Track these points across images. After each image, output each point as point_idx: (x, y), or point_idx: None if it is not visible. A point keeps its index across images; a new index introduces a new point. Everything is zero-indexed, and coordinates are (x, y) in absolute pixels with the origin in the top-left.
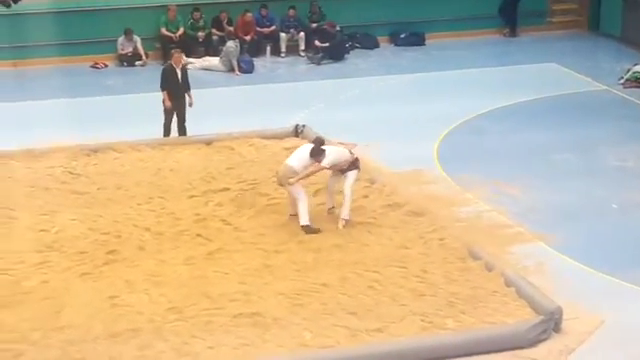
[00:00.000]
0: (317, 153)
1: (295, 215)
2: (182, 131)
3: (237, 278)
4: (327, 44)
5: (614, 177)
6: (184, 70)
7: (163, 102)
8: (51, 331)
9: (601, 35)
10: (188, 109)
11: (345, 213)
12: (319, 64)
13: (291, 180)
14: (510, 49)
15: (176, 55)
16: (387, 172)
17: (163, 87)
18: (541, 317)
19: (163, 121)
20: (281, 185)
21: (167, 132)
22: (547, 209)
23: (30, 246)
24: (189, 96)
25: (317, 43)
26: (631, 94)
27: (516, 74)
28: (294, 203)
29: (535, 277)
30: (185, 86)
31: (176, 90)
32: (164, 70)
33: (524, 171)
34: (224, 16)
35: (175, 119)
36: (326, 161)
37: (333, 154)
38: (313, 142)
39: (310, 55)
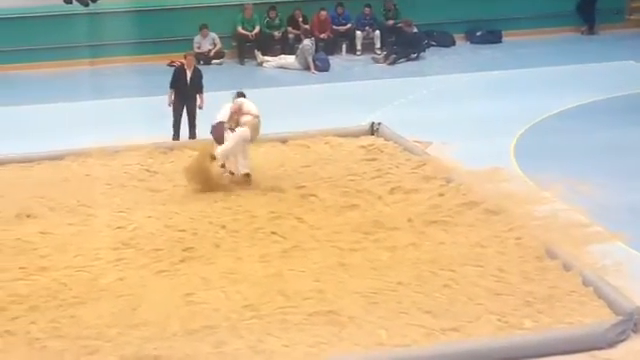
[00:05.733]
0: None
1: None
2: (192, 132)
3: (312, 276)
4: (405, 46)
5: None
6: (196, 72)
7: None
8: (127, 328)
9: None
10: (199, 111)
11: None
12: (392, 64)
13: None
14: (588, 47)
15: (189, 57)
16: (463, 170)
17: (172, 86)
18: (620, 317)
19: (172, 122)
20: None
21: (176, 131)
22: (625, 208)
23: (107, 243)
24: (200, 98)
25: (394, 55)
26: None
27: (594, 72)
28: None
29: (613, 277)
30: (196, 88)
31: (184, 91)
32: (175, 70)
33: (602, 169)
34: (299, 14)
35: (187, 120)
36: None
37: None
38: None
39: (377, 57)
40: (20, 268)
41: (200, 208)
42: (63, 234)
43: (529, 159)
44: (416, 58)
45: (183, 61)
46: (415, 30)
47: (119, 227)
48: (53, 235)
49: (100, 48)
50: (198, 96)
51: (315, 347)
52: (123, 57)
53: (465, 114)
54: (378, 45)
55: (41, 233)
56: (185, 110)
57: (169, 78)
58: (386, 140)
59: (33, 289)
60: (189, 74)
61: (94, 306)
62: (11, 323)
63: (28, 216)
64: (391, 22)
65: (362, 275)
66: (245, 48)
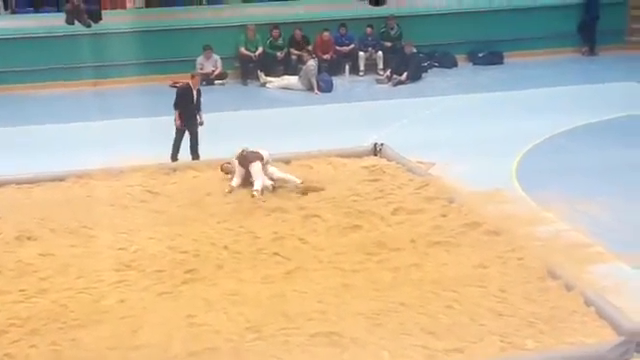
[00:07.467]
0: None
1: None
2: (194, 152)
3: (315, 297)
4: (405, 73)
5: None
6: (199, 92)
7: (175, 121)
8: (129, 350)
9: None
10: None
11: None
12: (396, 85)
13: None
14: (589, 68)
15: (196, 78)
16: (465, 191)
17: (177, 106)
18: (622, 338)
19: (173, 141)
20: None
21: (176, 151)
22: (627, 228)
23: (109, 265)
24: (199, 116)
25: (396, 76)
26: None
27: (595, 93)
28: None
29: (615, 297)
30: (197, 107)
31: (190, 110)
32: (180, 90)
33: (604, 190)
34: (299, 34)
35: (188, 141)
36: None
37: None
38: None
39: (380, 78)
40: (20, 291)
41: (202, 230)
42: (64, 256)
43: (531, 179)
44: (414, 79)
45: (189, 81)
46: (414, 50)
47: (121, 249)
48: (54, 257)
49: (103, 69)
50: (197, 114)
51: None
52: (126, 78)
53: (467, 135)
54: (381, 66)
55: (41, 255)
56: (188, 130)
57: (172, 99)
58: (389, 161)
59: (33, 312)
60: (195, 94)
61: (95, 328)
62: (11, 346)
63: (28, 238)
64: (389, 43)
65: (365, 296)
66: (248, 69)
